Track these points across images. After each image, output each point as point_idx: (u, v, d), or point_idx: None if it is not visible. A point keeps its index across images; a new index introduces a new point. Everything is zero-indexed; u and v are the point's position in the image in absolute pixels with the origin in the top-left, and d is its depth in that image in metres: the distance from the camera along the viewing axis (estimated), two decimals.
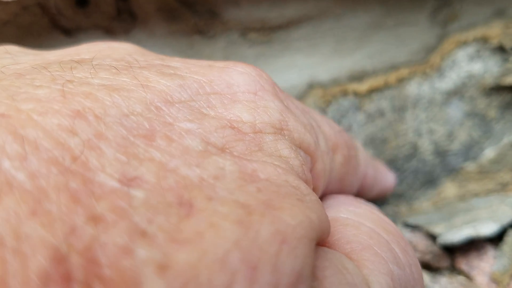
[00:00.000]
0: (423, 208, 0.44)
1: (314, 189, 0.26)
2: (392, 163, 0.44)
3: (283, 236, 0.17)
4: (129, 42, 0.38)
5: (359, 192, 0.35)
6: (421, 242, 0.38)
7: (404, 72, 0.45)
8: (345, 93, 0.44)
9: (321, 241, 0.20)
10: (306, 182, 0.22)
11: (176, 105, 0.20)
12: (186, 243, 0.15)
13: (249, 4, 0.39)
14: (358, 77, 0.44)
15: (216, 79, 0.23)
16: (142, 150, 0.17)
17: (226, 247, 0.15)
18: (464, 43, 0.45)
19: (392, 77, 0.44)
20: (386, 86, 0.44)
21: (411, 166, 0.45)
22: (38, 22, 0.35)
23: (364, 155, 0.35)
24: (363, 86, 0.44)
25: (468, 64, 0.45)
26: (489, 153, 0.45)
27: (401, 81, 0.44)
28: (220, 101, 0.22)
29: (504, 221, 0.38)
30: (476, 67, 0.45)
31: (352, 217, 0.25)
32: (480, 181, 0.44)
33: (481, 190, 0.44)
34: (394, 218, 0.42)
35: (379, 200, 0.43)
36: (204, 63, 0.25)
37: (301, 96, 0.43)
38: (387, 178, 0.40)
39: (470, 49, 0.45)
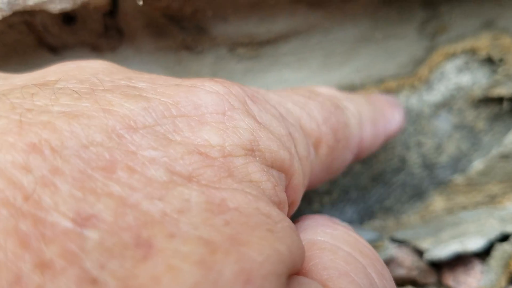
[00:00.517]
0: (411, 222, 0.44)
1: (291, 204, 0.25)
2: (380, 177, 0.44)
3: (247, 275, 0.16)
4: (116, 58, 0.38)
5: (356, 156, 0.34)
6: (408, 257, 0.38)
7: (392, 85, 0.45)
8: None
9: (295, 270, 0.20)
10: (279, 204, 0.22)
11: (140, 131, 0.19)
12: None
13: (237, 20, 0.39)
14: (346, 90, 0.44)
15: (182, 101, 0.22)
16: (101, 184, 0.16)
17: None
18: (452, 55, 0.46)
19: (380, 90, 0.44)
20: None
21: (399, 180, 0.45)
22: (24, 40, 0.35)
23: (357, 120, 0.34)
24: None
25: (457, 76, 0.46)
26: (477, 165, 0.45)
27: (389, 94, 0.45)
28: (187, 124, 0.21)
29: (492, 235, 0.39)
30: (465, 79, 0.46)
31: (329, 240, 0.25)
32: (468, 194, 0.45)
33: (469, 203, 0.44)
34: (381, 232, 0.42)
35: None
36: (172, 82, 0.24)
37: None
38: (392, 120, 0.38)
39: (459, 61, 0.46)
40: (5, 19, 0.32)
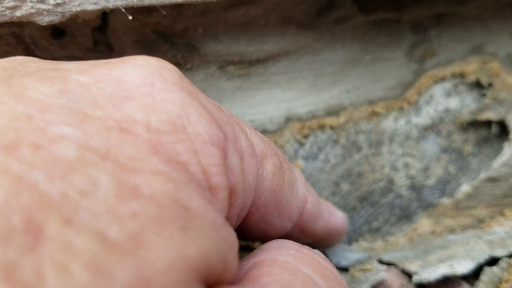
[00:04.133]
0: (399, 244, 0.43)
1: (232, 190, 0.23)
2: (368, 198, 0.44)
3: (145, 283, 0.14)
4: None
5: (301, 221, 0.32)
6: (396, 280, 0.38)
7: (380, 107, 0.45)
8: (322, 127, 0.44)
9: (216, 274, 0.18)
10: (211, 189, 0.20)
11: (54, 109, 0.17)
12: (22, 286, 0.13)
13: (228, 38, 0.39)
14: (335, 111, 0.44)
15: (105, 78, 0.20)
16: (0, 162, 0.15)
17: None
18: (441, 79, 0.46)
19: (368, 112, 0.44)
20: (362, 121, 0.44)
21: (387, 201, 0.44)
22: (12, 52, 0.35)
23: (303, 180, 0.32)
24: (340, 120, 0.44)
25: (445, 100, 0.46)
26: (465, 188, 0.45)
27: (377, 116, 0.45)
28: (110, 99, 0.19)
29: (481, 259, 0.38)
30: (453, 103, 0.46)
31: (291, 260, 0.24)
32: (456, 217, 0.44)
33: (457, 226, 0.44)
34: (369, 254, 0.41)
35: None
36: (102, 61, 0.22)
37: (279, 129, 0.43)
38: (336, 215, 0.36)
39: (447, 85, 0.46)
40: None
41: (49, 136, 0.16)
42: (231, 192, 0.23)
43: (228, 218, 0.23)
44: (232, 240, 0.19)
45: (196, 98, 0.22)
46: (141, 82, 0.20)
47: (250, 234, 0.30)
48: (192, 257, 0.16)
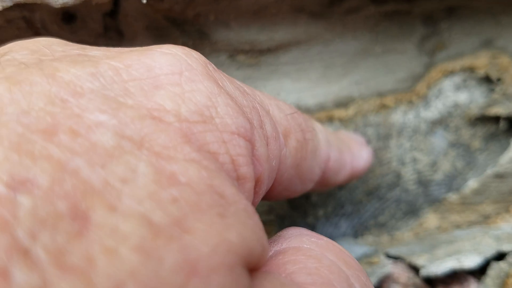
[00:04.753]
0: (405, 239, 0.43)
1: (257, 181, 0.23)
2: (375, 192, 0.44)
3: (192, 266, 0.15)
4: None
5: (323, 177, 0.33)
6: (403, 274, 0.38)
7: (390, 100, 0.44)
8: (331, 119, 0.43)
9: (255, 258, 0.18)
10: (239, 179, 0.21)
11: (87, 95, 0.18)
12: (72, 270, 0.13)
13: (239, 26, 0.39)
14: (344, 103, 0.44)
15: (134, 64, 0.20)
16: (39, 147, 0.15)
17: (119, 279, 0.14)
18: (451, 72, 0.46)
19: (377, 104, 0.44)
20: (371, 114, 0.44)
21: (394, 195, 0.44)
22: (23, 36, 0.34)
23: (325, 137, 0.33)
24: (349, 113, 0.44)
25: (454, 94, 0.46)
26: (472, 184, 0.45)
27: (386, 109, 0.44)
28: (139, 88, 0.19)
29: (488, 253, 0.38)
30: (462, 97, 0.46)
31: (314, 248, 0.24)
32: (462, 213, 0.44)
33: (463, 222, 0.44)
34: (375, 247, 0.41)
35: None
36: (128, 49, 0.22)
37: None
38: (359, 157, 0.37)
39: (457, 79, 0.46)
40: (4, 12, 0.32)
41: (86, 123, 0.16)
42: (257, 181, 0.23)
43: (252, 205, 0.23)
44: (262, 226, 0.20)
45: (222, 87, 0.22)
46: (169, 70, 0.20)
47: (270, 199, 0.30)
48: (233, 241, 0.16)
